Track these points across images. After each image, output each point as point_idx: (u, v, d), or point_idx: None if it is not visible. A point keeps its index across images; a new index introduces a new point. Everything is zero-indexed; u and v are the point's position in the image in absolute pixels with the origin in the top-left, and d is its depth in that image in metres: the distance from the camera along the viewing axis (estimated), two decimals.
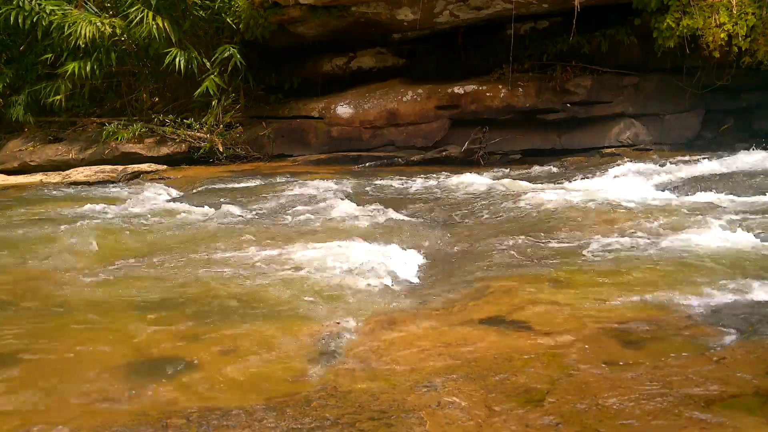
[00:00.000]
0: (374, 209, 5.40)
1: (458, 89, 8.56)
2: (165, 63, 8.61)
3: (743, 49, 7.54)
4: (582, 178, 6.45)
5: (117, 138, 8.96)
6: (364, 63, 9.59)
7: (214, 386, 2.28)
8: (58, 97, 9.00)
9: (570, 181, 6.36)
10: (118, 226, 5.04)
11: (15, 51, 9.71)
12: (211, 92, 8.65)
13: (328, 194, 6.20)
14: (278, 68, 9.74)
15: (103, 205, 5.98)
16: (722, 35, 7.47)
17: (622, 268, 3.46)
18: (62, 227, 4.91)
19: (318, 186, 6.54)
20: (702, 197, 5.26)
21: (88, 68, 8.74)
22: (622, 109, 8.49)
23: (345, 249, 4.01)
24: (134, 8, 8.49)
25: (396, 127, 8.74)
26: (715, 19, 7.49)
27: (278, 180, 7.22)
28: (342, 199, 6.05)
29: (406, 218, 5.21)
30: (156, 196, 6.67)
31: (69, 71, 8.70)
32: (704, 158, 6.90)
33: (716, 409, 1.92)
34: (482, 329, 2.75)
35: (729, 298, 2.95)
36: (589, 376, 2.22)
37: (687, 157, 7.08)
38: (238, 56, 8.49)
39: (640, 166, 6.82)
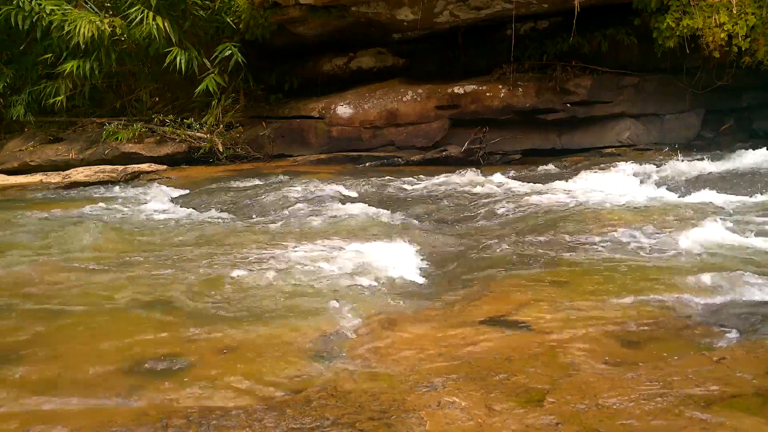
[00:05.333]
0: (374, 209, 5.39)
1: (458, 89, 8.56)
2: (166, 62, 8.61)
3: (743, 49, 7.55)
4: (582, 179, 6.44)
5: (117, 138, 8.95)
6: (364, 63, 9.59)
7: (214, 386, 2.28)
8: (59, 97, 9.00)
9: (570, 181, 6.36)
10: (117, 226, 5.04)
11: (15, 51, 9.70)
12: (212, 91, 8.65)
13: (328, 194, 6.20)
14: (278, 68, 9.74)
15: (103, 205, 5.99)
16: (722, 35, 7.46)
17: (621, 267, 3.46)
18: (62, 227, 4.90)
19: (318, 186, 6.54)
20: (702, 197, 5.26)
21: (87, 68, 8.74)
22: (622, 109, 8.49)
23: (345, 249, 4.01)
24: (134, 8, 8.49)
25: (396, 127, 8.74)
26: (715, 19, 7.49)
27: (278, 180, 7.22)
28: (341, 199, 6.05)
29: (405, 218, 5.21)
30: (156, 196, 6.66)
31: (68, 70, 8.70)
32: (704, 158, 6.90)
33: (716, 409, 1.92)
34: (482, 329, 2.75)
35: (729, 298, 2.95)
36: (589, 376, 2.22)
37: (687, 157, 7.07)
38: (239, 55, 8.49)
39: (640, 166, 6.82)
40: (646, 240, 3.99)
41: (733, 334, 2.55)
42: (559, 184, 6.25)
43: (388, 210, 5.39)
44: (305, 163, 8.66)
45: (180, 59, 8.52)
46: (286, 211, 5.54)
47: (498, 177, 6.83)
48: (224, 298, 3.27)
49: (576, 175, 6.71)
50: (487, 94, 8.50)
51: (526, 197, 5.59)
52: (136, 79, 9.94)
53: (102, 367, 2.46)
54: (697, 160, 6.80)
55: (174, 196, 6.77)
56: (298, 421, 1.98)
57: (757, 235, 3.97)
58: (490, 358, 2.42)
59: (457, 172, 7.25)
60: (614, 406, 1.98)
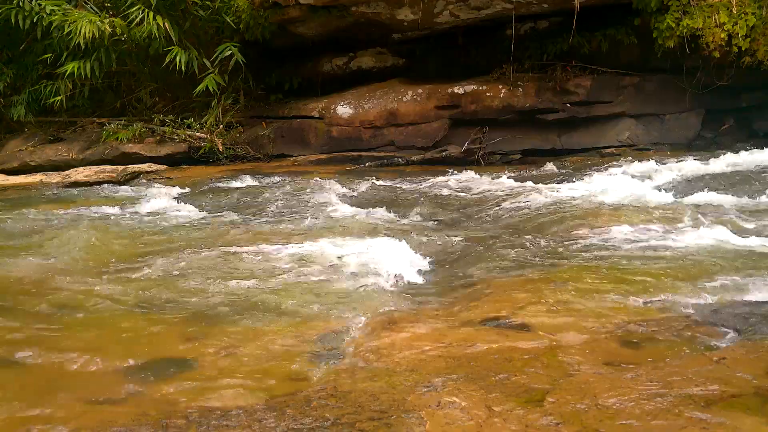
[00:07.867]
0: (374, 209, 5.40)
1: (458, 89, 8.56)
2: (166, 62, 8.61)
3: (743, 49, 7.55)
4: (582, 179, 6.45)
5: (117, 138, 8.96)
6: (364, 63, 9.59)
7: (214, 386, 2.28)
8: (59, 97, 9.00)
9: (570, 182, 6.36)
10: (117, 226, 5.04)
11: (15, 51, 9.70)
12: (212, 90, 8.65)
13: (328, 194, 6.20)
14: (278, 68, 9.74)
15: (103, 206, 5.98)
16: (722, 35, 7.47)
17: (621, 268, 3.46)
18: (62, 228, 4.90)
19: (318, 186, 6.54)
20: (702, 197, 5.26)
21: (87, 68, 8.74)
22: (622, 109, 8.49)
23: (345, 249, 4.01)
24: (134, 8, 8.50)
25: (396, 127, 8.74)
26: (715, 19, 7.49)
27: (278, 180, 7.22)
28: (341, 199, 6.05)
29: (406, 218, 5.21)
30: (156, 196, 6.65)
31: (68, 71, 8.70)
32: (704, 158, 6.90)
33: (716, 409, 1.92)
34: (482, 329, 2.75)
35: (729, 298, 2.95)
36: (589, 376, 2.22)
37: (687, 157, 7.07)
38: (239, 55, 8.49)
39: (640, 166, 6.82)
40: (646, 240, 3.99)
41: (733, 334, 2.55)
42: (558, 185, 6.24)
43: (388, 210, 5.39)
44: (305, 163, 8.66)
45: (180, 59, 8.53)
46: (285, 211, 5.54)
47: (498, 177, 6.82)
48: (224, 297, 3.27)
49: (576, 175, 6.72)
50: (487, 94, 8.51)
51: (526, 197, 5.59)
52: (136, 79, 9.94)
53: (102, 367, 2.46)
54: (698, 160, 6.80)
55: (174, 196, 6.77)
56: (298, 421, 1.98)
57: (757, 235, 3.98)
58: (490, 358, 2.42)
59: (457, 172, 7.25)
60: (614, 406, 1.98)
